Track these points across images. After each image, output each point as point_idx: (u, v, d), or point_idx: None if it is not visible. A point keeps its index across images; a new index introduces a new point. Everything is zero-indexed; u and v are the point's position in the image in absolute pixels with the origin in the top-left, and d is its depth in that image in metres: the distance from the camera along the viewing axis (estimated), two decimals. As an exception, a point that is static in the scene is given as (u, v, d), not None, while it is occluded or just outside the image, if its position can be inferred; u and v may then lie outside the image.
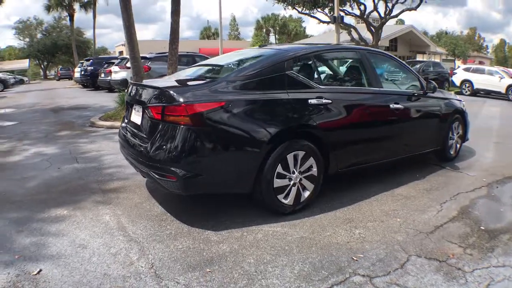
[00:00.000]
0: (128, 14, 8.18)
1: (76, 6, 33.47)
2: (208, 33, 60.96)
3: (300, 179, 3.47)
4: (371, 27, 25.83)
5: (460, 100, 5.55)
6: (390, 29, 31.33)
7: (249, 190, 3.26)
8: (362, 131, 3.98)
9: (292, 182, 3.41)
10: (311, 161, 3.48)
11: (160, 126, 3.12)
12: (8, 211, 3.69)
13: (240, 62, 3.91)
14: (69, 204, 3.82)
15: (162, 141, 3.08)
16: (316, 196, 3.66)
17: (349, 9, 27.14)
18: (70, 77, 36.13)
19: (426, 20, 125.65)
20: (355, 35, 25.97)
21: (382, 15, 25.89)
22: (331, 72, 4.72)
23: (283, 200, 3.38)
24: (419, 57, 33.71)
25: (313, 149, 3.49)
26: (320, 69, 4.12)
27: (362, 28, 27.12)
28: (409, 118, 4.46)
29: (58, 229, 3.26)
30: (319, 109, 3.53)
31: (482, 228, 3.19)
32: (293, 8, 26.48)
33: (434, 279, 2.41)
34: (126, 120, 4.02)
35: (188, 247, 2.89)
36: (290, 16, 46.82)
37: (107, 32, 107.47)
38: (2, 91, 25.25)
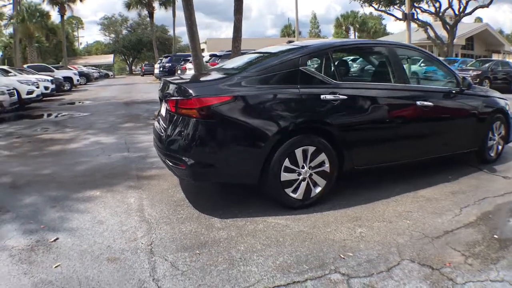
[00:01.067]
0: (190, 12, 8.78)
1: (156, 4, 35.89)
2: (289, 31, 62.29)
3: (311, 175, 3.54)
4: (446, 25, 24.79)
5: (504, 99, 5.27)
6: (466, 27, 31.01)
7: (254, 182, 3.44)
8: (381, 129, 3.95)
9: (301, 177, 3.50)
10: (323, 156, 3.54)
11: (175, 118, 3.45)
12: (51, 189, 4.31)
13: (260, 58, 4.10)
14: (104, 187, 4.31)
15: (175, 132, 3.42)
16: (330, 192, 3.71)
17: (425, 6, 26.34)
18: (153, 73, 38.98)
19: (503, 18, 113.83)
20: (432, 33, 25.06)
21: (457, 12, 24.75)
22: (350, 68, 4.72)
23: (292, 194, 3.48)
24: (494, 56, 32.03)
25: (325, 145, 3.54)
26: (338, 64, 4.15)
27: (438, 26, 26.20)
28: (440, 116, 4.35)
29: (85, 207, 3.74)
30: (332, 104, 3.59)
31: (496, 236, 2.97)
32: (370, 5, 26.62)
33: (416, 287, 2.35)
34: (157, 114, 4.45)
35: (190, 230, 3.15)
36: (371, 13, 46.38)
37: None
38: (85, 84, 27.94)
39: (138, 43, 54.29)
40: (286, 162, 3.40)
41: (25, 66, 21.97)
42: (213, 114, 3.23)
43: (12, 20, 29.49)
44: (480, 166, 4.91)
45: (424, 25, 26.68)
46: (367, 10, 34.55)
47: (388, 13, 27.49)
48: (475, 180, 4.40)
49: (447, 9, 26.15)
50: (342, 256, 2.69)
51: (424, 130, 4.23)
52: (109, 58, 56.40)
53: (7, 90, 10.39)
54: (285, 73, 3.55)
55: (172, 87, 3.72)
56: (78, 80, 23.73)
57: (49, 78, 16.23)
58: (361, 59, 5.58)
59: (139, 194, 4.06)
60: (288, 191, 3.47)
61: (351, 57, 5.11)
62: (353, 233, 3.07)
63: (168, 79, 4.16)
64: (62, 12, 31.24)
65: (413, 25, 27.52)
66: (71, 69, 25.20)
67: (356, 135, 3.76)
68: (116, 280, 2.46)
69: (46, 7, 32.37)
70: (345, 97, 3.65)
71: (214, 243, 2.92)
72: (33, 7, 31.63)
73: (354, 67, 4.91)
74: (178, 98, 3.36)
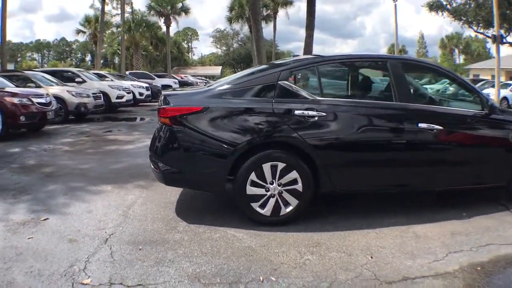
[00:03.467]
0: (257, 29, 9.43)
1: None
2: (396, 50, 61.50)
3: (281, 192, 3.64)
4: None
5: None
6: None
7: (221, 192, 3.75)
8: (369, 151, 3.87)
9: (269, 193, 3.63)
10: (294, 174, 3.61)
11: (158, 126, 3.97)
12: (75, 181, 5.18)
13: (251, 72, 4.32)
14: (118, 183, 5.03)
15: (156, 138, 3.91)
16: (313, 213, 3.85)
17: None
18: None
19: None
20: None
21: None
22: (339, 83, 4.66)
23: (259, 209, 3.64)
24: None
25: (297, 162, 3.62)
26: (324, 80, 4.17)
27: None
28: (452, 142, 4.09)
29: (89, 198, 4.48)
30: (308, 121, 3.64)
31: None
32: (469, 26, 25.96)
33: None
34: None
35: (153, 229, 3.60)
36: (476, 36, 44.00)
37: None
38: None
39: (246, 57, 57.64)
40: (253, 176, 3.58)
41: (127, 72, 25.10)
42: (183, 123, 3.61)
43: (119, 29, 34.06)
44: (509, 205, 4.45)
45: None
46: (472, 32, 33.06)
47: (486, 35, 26.37)
48: (492, 221, 4.03)
49: None
50: (262, 279, 2.78)
51: (429, 157, 4.01)
52: (217, 70, 60.92)
53: (93, 93, 12.19)
54: (262, 87, 3.76)
55: (162, 97, 4.18)
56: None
57: (145, 85, 18.34)
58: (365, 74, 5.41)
59: (141, 193, 4.65)
60: (255, 205, 3.63)
61: (346, 72, 4.81)
62: (298, 259, 3.10)
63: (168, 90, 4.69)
64: (167, 24, 35.22)
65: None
66: (175, 78, 27.91)
67: (336, 156, 3.74)
68: (61, 255, 3.05)
69: (153, 18, 36.85)
70: (324, 114, 3.68)
71: (162, 243, 3.30)
72: (139, 18, 36.29)
73: (346, 82, 4.76)
74: (159, 107, 3.85)
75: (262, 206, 3.65)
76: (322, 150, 3.68)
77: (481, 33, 27.47)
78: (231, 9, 36.47)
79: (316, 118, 3.67)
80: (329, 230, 3.67)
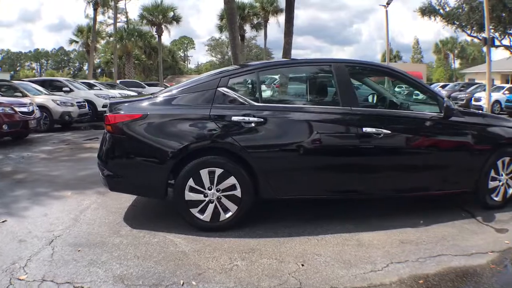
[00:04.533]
0: (233, 36, 9.72)
1: (247, 27, 38.48)
2: (390, 56, 62.24)
3: (219, 197, 3.74)
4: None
5: None
6: None
7: (162, 197, 3.90)
8: (308, 157, 3.90)
9: (208, 199, 3.74)
10: (233, 180, 3.71)
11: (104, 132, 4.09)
12: (41, 186, 5.47)
13: (194, 79, 4.35)
14: (79, 190, 5.28)
15: (101, 144, 4.07)
16: (258, 219, 3.97)
17: None
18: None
19: None
20: None
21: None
22: (281, 89, 4.70)
23: (198, 215, 3.75)
24: None
25: (235, 168, 3.71)
26: (264, 85, 4.32)
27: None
28: (402, 147, 4.05)
29: (48, 202, 4.76)
30: (245, 127, 3.74)
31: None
32: (462, 30, 26.70)
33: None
34: None
35: (97, 232, 3.83)
36: (472, 40, 44.63)
37: (305, 53, 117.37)
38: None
39: (239, 65, 58.49)
40: (191, 182, 3.70)
41: (118, 81, 25.48)
42: (124, 129, 3.77)
43: (111, 38, 34.48)
44: (476, 211, 4.38)
45: None
46: (464, 36, 33.65)
47: (479, 39, 26.96)
48: (451, 229, 3.94)
49: None
50: (182, 283, 2.91)
51: (377, 162, 3.99)
52: (211, 78, 61.68)
53: (77, 102, 12.54)
54: (201, 94, 3.87)
55: (108, 105, 4.29)
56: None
57: (134, 93, 18.62)
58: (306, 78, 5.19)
59: (97, 199, 4.88)
60: (194, 211, 3.74)
61: (288, 77, 4.85)
62: (227, 265, 3.19)
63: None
64: (159, 33, 35.58)
65: (506, 52, 27.21)
66: (166, 86, 28.23)
67: (275, 161, 3.80)
68: (8, 253, 3.33)
69: (145, 27, 37.45)
70: (262, 119, 3.75)
71: (101, 245, 3.52)
72: (131, 27, 36.80)
73: (287, 87, 4.77)
74: (105, 114, 4.04)
75: (202, 211, 3.76)
76: (260, 156, 3.76)
77: (474, 36, 27.60)
78: (221, 17, 36.93)
79: (253, 124, 3.75)
80: (269, 236, 3.72)
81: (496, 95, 21.65)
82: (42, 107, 11.38)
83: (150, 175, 3.80)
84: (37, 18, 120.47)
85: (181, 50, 72.87)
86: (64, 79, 16.95)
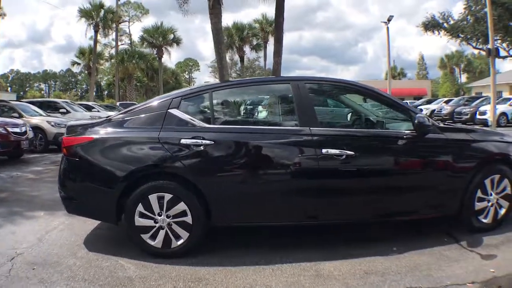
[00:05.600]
0: (220, 57, 9.97)
1: (247, 48, 39.30)
2: (394, 73, 63.61)
3: (170, 224, 3.65)
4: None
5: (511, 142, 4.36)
6: None
7: (113, 222, 3.85)
8: (265, 181, 3.78)
9: (158, 225, 3.65)
10: (183, 206, 3.61)
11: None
12: (19, 206, 5.68)
13: (148, 101, 4.31)
14: (52, 211, 5.38)
15: (59, 167, 4.10)
16: (214, 246, 3.92)
17: None
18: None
19: None
20: None
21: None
22: (233, 110, 4.60)
23: (149, 241, 3.67)
24: None
25: (185, 194, 3.61)
26: (218, 106, 4.16)
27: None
28: (369, 169, 3.84)
29: (20, 221, 4.97)
30: (194, 150, 3.64)
31: None
32: (467, 43, 26.11)
33: None
34: None
35: (56, 253, 3.90)
36: (479, 53, 44.80)
37: (310, 73, 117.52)
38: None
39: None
40: (140, 207, 3.62)
41: (117, 103, 26.03)
42: (76, 152, 3.79)
43: (112, 60, 35.37)
44: (462, 236, 4.07)
45: None
46: (472, 49, 33.29)
47: (485, 51, 26.96)
48: (427, 258, 3.63)
49: None
50: None
51: (340, 186, 3.82)
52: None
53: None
54: (152, 116, 3.82)
55: (66, 128, 4.25)
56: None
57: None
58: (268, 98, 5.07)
59: (65, 220, 4.93)
60: (145, 237, 3.66)
61: (243, 97, 4.72)
62: None
63: None
64: (159, 55, 36.33)
65: None
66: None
67: (227, 186, 3.68)
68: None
69: (146, 49, 38.44)
70: (212, 142, 3.65)
71: (55, 266, 3.59)
72: (132, 49, 37.80)
73: (242, 108, 4.70)
74: (62, 137, 4.13)
75: (153, 237, 3.68)
76: (210, 181, 3.66)
77: (480, 49, 27.42)
78: None
79: (202, 148, 3.65)
80: (222, 265, 3.59)
81: (502, 107, 21.51)
82: (38, 128, 11.84)
83: (101, 199, 3.77)
84: (47, 39, 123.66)
85: (186, 72, 73.90)
86: (61, 101, 17.47)
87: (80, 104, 17.72)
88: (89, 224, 4.72)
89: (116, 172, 3.68)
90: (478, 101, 25.22)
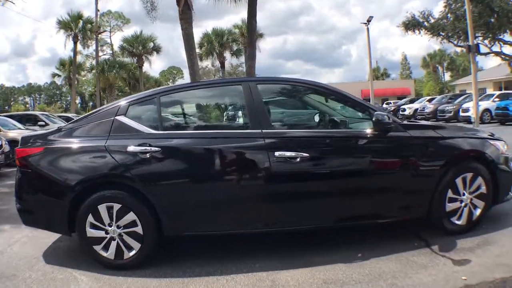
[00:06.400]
0: (192, 63, 9.97)
1: (227, 54, 39.30)
2: (377, 74, 64.59)
3: (121, 234, 3.57)
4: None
5: (490, 138, 4.23)
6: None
7: (67, 234, 3.82)
8: (217, 188, 3.67)
9: (109, 236, 3.58)
10: (132, 216, 3.54)
11: None
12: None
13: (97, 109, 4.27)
14: (17, 224, 5.07)
15: (15, 178, 4.00)
16: (173, 256, 3.85)
17: (510, 38, 25.66)
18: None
19: None
20: None
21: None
22: (181, 114, 4.48)
23: (102, 252, 3.60)
24: None
25: (134, 204, 3.53)
26: (166, 111, 4.06)
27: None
28: (327, 171, 3.73)
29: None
30: (140, 157, 3.55)
31: None
32: (449, 41, 26.39)
33: None
34: None
35: (15, 265, 3.89)
36: (462, 51, 45.39)
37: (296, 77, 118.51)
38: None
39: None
40: (90, 218, 3.56)
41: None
42: (28, 163, 3.74)
43: (93, 71, 35.29)
44: (433, 239, 3.87)
45: (510, 58, 26.24)
46: (453, 47, 33.82)
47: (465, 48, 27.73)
48: (394, 264, 3.44)
49: None
50: None
51: (295, 190, 3.69)
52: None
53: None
54: (100, 124, 3.75)
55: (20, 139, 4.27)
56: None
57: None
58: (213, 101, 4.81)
59: (29, 233, 4.85)
60: (98, 248, 3.60)
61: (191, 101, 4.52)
62: None
63: None
64: (139, 64, 36.36)
65: (498, 59, 28.23)
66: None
67: (176, 195, 3.60)
68: None
69: (126, 59, 38.47)
70: (158, 149, 3.55)
71: (12, 278, 3.58)
72: (112, 59, 37.81)
73: (199, 112, 4.59)
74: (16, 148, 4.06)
75: (105, 248, 3.62)
76: (159, 190, 3.58)
77: (461, 46, 27.85)
78: (200, 46, 37.66)
79: (148, 155, 3.56)
80: (175, 276, 3.50)
81: (485, 104, 21.61)
82: (15, 142, 11.67)
83: (53, 210, 3.72)
84: (31, 52, 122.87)
85: (170, 80, 73.62)
86: (40, 114, 17.51)
87: (60, 116, 17.64)
88: (52, 237, 4.65)
89: (65, 183, 3.63)
90: (461, 98, 25.45)
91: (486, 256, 3.49)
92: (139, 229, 3.56)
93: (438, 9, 33.38)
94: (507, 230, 4.04)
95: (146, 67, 38.33)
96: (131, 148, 3.57)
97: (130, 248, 3.60)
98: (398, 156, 3.86)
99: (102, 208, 3.56)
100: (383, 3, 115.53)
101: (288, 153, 3.57)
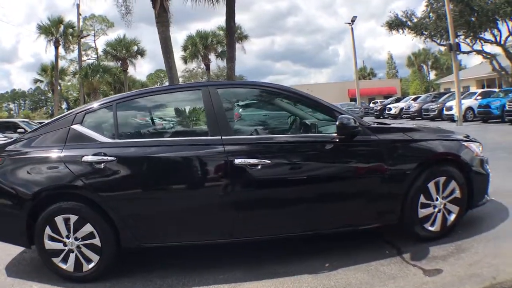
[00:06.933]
0: (169, 66, 9.79)
1: (212, 56, 39.12)
2: (364, 73, 65.26)
3: (79, 246, 3.47)
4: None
5: (459, 140, 4.09)
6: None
7: (27, 246, 3.70)
8: (173, 198, 3.57)
9: (67, 248, 3.48)
10: (90, 228, 3.44)
11: None
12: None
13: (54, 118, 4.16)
14: None
15: None
16: (109, 267, 3.59)
17: (490, 37, 26.25)
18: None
19: None
20: (496, 65, 25.26)
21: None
22: (138, 122, 4.30)
23: (61, 264, 3.50)
24: None
25: (91, 215, 3.44)
26: (122, 119, 3.87)
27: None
28: (290, 178, 3.60)
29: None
30: (97, 168, 3.45)
31: None
32: (432, 40, 26.88)
33: None
34: None
35: None
36: (445, 49, 46.15)
37: (284, 78, 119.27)
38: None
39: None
40: (48, 230, 3.46)
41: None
42: None
43: (76, 76, 34.91)
44: (405, 247, 3.71)
45: (491, 57, 26.61)
46: (437, 46, 34.34)
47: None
48: (361, 274, 3.30)
49: (508, 36, 25.62)
50: None
51: (258, 198, 3.59)
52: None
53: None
54: (57, 133, 3.65)
55: None
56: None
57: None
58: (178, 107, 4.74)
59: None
60: (56, 260, 3.50)
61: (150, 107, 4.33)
62: None
63: None
64: (124, 67, 36.05)
65: (480, 58, 28.78)
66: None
67: (132, 206, 3.50)
68: None
69: (111, 63, 38.13)
70: (114, 158, 3.45)
71: None
72: (96, 63, 37.50)
73: (158, 118, 4.42)
74: None
75: (64, 261, 3.52)
76: (114, 200, 3.47)
77: (444, 45, 28.04)
78: (185, 48, 37.49)
79: (103, 165, 3.45)
80: None
81: (468, 102, 21.74)
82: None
83: (12, 222, 3.60)
84: (14, 58, 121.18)
85: (158, 83, 73.14)
86: (19, 121, 17.41)
87: (40, 123, 17.38)
88: (17, 249, 4.40)
89: (22, 194, 3.52)
90: (445, 97, 25.66)
91: (458, 265, 3.32)
92: (97, 241, 3.47)
93: (421, 9, 33.67)
94: (481, 236, 3.87)
95: (133, 70, 38.12)
96: (86, 158, 3.47)
97: (89, 261, 3.50)
98: (366, 160, 3.73)
99: (59, 220, 3.46)
100: (369, 3, 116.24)
101: (248, 160, 3.45)
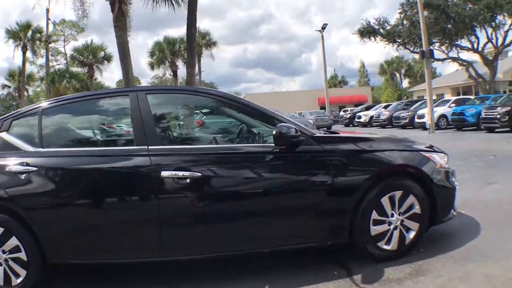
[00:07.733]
0: (126, 72, 9.41)
1: (179, 62, 38.62)
2: (335, 81, 66.83)
3: (6, 260, 3.28)
4: (488, 61, 25.01)
5: (418, 150, 3.80)
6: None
7: None
8: (96, 212, 3.33)
9: None
10: (15, 241, 3.24)
11: None
12: None
13: None
14: None
15: None
16: (38, 282, 3.36)
17: (467, 44, 26.55)
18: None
19: None
20: (473, 72, 25.47)
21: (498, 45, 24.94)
22: (63, 130, 4.01)
23: None
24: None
25: (16, 228, 3.24)
26: (47, 127, 3.64)
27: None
28: (223, 193, 3.33)
29: None
30: (18, 178, 3.25)
31: None
32: (405, 48, 26.97)
33: None
34: None
35: None
36: (419, 57, 46.97)
37: (256, 86, 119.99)
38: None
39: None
40: None
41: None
42: None
43: (43, 82, 34.10)
44: (358, 267, 3.38)
45: (467, 64, 26.81)
46: (410, 53, 34.79)
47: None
48: None
49: (486, 43, 25.96)
50: None
51: (190, 214, 3.32)
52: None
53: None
54: None
55: None
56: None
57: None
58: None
59: None
60: None
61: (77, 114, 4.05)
62: None
63: None
64: (90, 73, 35.64)
65: (455, 65, 29.25)
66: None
67: (53, 219, 3.28)
68: None
69: (77, 68, 37.37)
70: (35, 168, 3.24)
71: None
72: (63, 69, 36.75)
73: (85, 126, 4.17)
74: None
75: None
76: (36, 213, 3.26)
77: (417, 52, 27.97)
78: (152, 54, 37.05)
79: (25, 175, 3.25)
80: None
81: (442, 110, 21.66)
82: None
83: None
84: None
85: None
86: None
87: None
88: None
89: None
90: (416, 104, 25.70)
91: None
92: (23, 255, 3.27)
93: (395, 17, 33.60)
94: (446, 256, 3.47)
95: (101, 76, 37.44)
96: (10, 168, 3.28)
97: (17, 275, 3.30)
98: (308, 173, 3.43)
99: None
100: (344, 11, 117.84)
101: (176, 173, 3.19)
